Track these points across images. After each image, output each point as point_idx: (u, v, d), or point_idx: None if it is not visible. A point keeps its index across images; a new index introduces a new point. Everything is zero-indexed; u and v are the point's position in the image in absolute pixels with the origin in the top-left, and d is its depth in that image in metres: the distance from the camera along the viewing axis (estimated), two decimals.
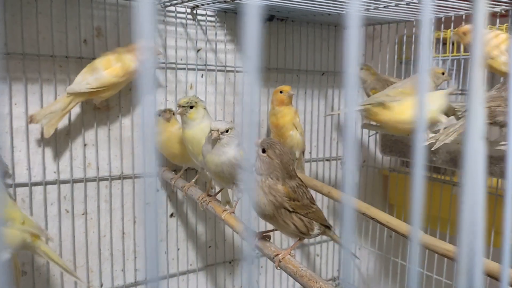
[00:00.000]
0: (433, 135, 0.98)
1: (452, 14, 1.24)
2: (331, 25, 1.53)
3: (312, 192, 1.51)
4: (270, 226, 0.90)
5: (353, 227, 0.25)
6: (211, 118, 1.11)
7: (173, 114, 1.18)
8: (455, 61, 1.40)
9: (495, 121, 0.88)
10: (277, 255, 0.82)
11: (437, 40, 1.40)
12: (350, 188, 0.24)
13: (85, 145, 1.18)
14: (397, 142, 1.25)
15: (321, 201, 1.64)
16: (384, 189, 1.67)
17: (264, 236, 0.91)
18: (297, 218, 0.80)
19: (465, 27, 1.09)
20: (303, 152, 1.36)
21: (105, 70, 1.08)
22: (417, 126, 0.23)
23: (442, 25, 1.31)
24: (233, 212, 1.04)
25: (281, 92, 1.27)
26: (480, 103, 0.19)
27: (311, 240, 1.64)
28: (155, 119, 0.98)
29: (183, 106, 1.05)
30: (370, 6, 1.13)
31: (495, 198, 1.20)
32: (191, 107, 1.06)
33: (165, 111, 1.18)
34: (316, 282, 0.71)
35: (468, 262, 0.23)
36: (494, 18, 1.18)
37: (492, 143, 0.99)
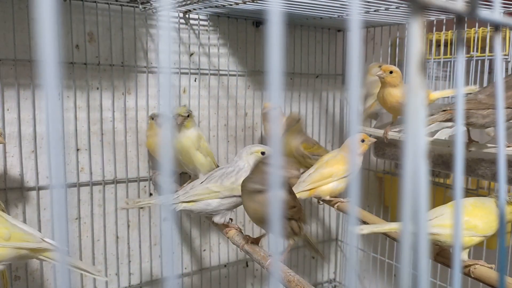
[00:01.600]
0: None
1: (443, 17, 1.24)
2: (324, 28, 1.53)
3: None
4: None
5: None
6: (197, 126, 1.17)
7: (152, 118, 1.20)
8: (448, 63, 1.40)
9: (468, 123, 0.89)
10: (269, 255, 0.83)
11: (431, 42, 1.40)
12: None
13: (78, 149, 1.18)
14: (390, 145, 1.25)
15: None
16: (379, 191, 1.67)
17: (254, 241, 0.91)
18: (294, 221, 0.82)
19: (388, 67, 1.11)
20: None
21: None
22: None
23: (443, 27, 1.31)
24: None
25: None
26: (421, 121, 0.19)
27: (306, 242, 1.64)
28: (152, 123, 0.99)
29: (182, 116, 1.11)
30: (361, 10, 1.13)
31: None
32: (188, 116, 1.13)
33: (159, 115, 1.19)
34: None
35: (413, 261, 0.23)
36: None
37: (482, 146, 0.99)
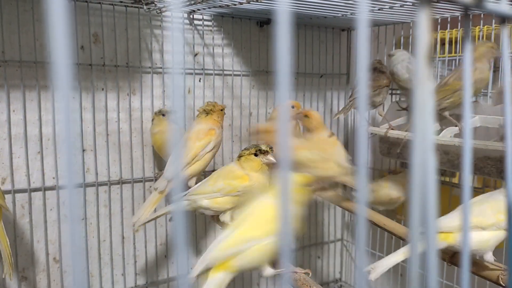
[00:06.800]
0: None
1: (448, 15, 1.24)
2: (328, 28, 1.53)
3: None
4: None
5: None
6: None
7: (162, 115, 1.20)
8: (453, 62, 1.39)
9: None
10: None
11: (435, 40, 1.40)
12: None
13: (83, 150, 1.19)
14: (394, 144, 1.25)
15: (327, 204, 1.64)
16: None
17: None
18: None
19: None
20: None
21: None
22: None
23: (447, 25, 1.30)
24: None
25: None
26: (429, 113, 0.19)
27: (312, 241, 1.64)
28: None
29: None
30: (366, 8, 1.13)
31: None
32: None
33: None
34: (310, 287, 0.71)
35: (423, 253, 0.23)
36: (491, 18, 1.18)
37: (488, 144, 0.98)
